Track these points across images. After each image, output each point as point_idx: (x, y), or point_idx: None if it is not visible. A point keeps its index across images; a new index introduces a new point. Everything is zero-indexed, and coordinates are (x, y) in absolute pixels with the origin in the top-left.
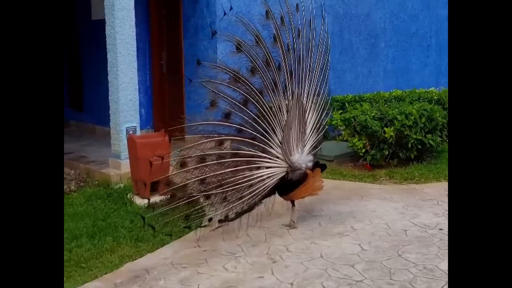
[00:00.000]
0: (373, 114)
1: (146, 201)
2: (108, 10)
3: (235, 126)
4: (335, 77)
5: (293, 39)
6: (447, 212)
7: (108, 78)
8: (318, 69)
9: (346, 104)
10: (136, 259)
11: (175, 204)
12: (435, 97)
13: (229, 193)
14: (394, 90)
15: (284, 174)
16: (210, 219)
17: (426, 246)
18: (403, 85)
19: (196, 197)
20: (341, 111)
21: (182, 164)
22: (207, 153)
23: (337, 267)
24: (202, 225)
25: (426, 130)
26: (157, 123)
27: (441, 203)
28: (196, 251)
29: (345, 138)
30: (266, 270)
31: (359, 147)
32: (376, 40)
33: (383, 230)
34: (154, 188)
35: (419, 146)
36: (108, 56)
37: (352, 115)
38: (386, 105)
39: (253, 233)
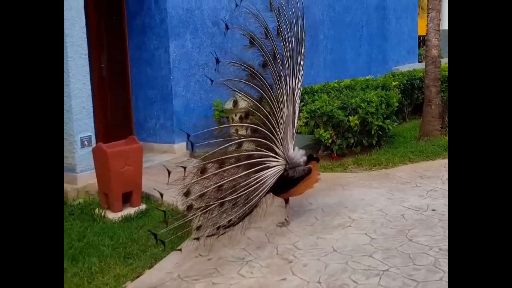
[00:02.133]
0: (336, 104)
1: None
2: None
3: (251, 126)
4: None
5: (288, 31)
6: (430, 192)
7: None
8: (303, 61)
9: (305, 96)
10: (135, 278)
11: (193, 215)
12: (380, 84)
13: (242, 197)
14: (337, 80)
15: (282, 171)
16: (218, 227)
17: (430, 228)
18: (341, 75)
19: (213, 205)
20: (302, 103)
21: (203, 171)
22: (227, 156)
23: (356, 259)
24: (209, 234)
25: (384, 116)
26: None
27: (419, 185)
28: (200, 261)
29: (299, 131)
30: (286, 271)
31: (325, 137)
32: (316, 32)
33: (381, 217)
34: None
35: (380, 132)
36: None
37: (317, 106)
38: (342, 94)
39: (252, 235)
